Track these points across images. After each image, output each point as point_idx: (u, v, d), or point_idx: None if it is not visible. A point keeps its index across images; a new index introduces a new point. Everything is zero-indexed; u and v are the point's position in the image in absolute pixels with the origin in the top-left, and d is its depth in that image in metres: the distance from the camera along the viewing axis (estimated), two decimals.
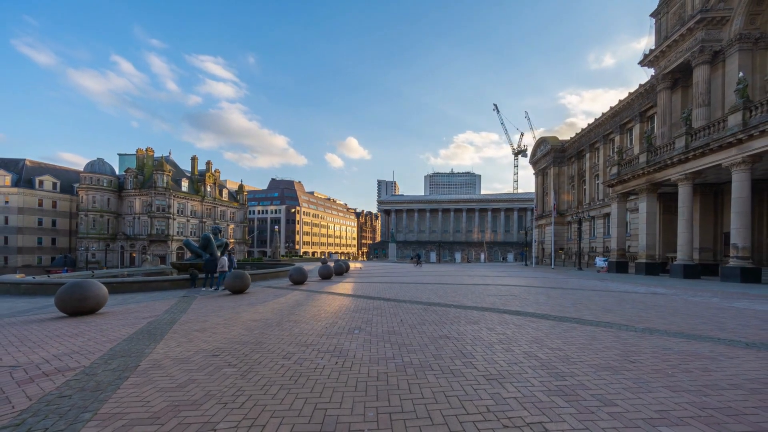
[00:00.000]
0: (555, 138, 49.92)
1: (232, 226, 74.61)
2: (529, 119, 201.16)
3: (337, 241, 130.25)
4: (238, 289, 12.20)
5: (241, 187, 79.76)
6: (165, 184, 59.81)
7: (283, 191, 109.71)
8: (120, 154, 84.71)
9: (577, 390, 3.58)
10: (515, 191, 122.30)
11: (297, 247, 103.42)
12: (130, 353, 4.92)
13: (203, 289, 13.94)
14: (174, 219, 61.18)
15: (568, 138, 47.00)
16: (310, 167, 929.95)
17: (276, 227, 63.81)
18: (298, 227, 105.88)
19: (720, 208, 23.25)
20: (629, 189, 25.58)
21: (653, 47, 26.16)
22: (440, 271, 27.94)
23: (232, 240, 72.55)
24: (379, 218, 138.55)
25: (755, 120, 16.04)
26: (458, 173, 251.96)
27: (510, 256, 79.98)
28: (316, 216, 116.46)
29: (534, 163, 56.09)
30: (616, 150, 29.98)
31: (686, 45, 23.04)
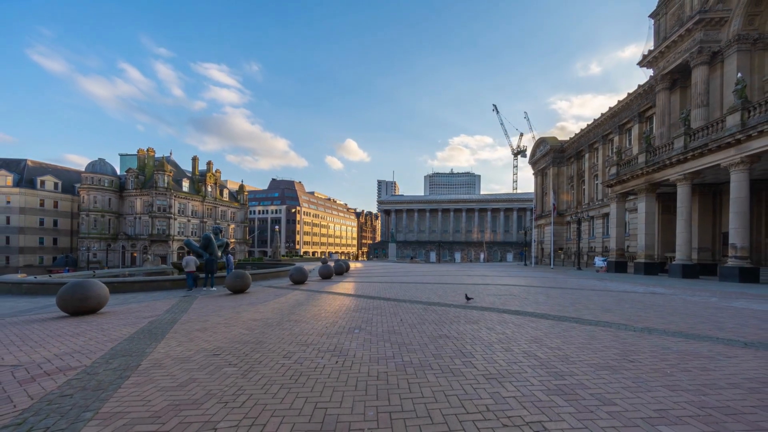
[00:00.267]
0: (554, 138, 49.89)
1: (232, 226, 74.63)
2: (528, 120, 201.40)
3: (338, 240, 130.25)
4: (239, 289, 12.22)
5: (241, 187, 79.75)
6: (166, 184, 59.84)
7: (284, 191, 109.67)
8: (121, 155, 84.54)
9: (577, 389, 3.60)
10: (514, 191, 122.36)
11: (297, 246, 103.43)
12: (131, 353, 4.94)
13: (204, 288, 13.95)
14: (175, 219, 61.20)
15: (567, 139, 47.07)
16: (310, 169, 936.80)
17: (276, 227, 63.91)
18: (298, 227, 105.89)
19: (718, 208, 23.29)
20: (628, 189, 25.60)
21: (652, 48, 26.20)
22: (440, 271, 27.95)
23: (233, 240, 72.59)
24: (379, 218, 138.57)
25: (754, 120, 16.07)
26: (458, 173, 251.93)
27: (509, 256, 80.00)
28: (316, 216, 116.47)
29: (533, 163, 56.09)
30: (615, 150, 29.96)
31: (685, 46, 23.07)
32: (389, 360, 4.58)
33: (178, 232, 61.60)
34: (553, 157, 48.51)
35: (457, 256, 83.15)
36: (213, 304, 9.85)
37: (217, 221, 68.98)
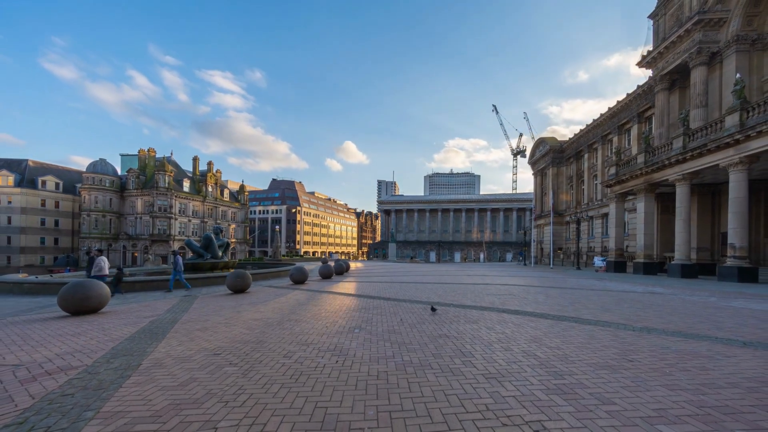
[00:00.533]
0: (554, 139, 49.94)
1: (233, 226, 74.58)
2: (527, 120, 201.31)
3: (338, 240, 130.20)
4: (240, 289, 12.23)
5: (242, 187, 79.66)
6: (167, 185, 59.83)
7: (284, 191, 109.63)
8: (122, 155, 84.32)
9: (576, 388, 3.61)
10: (514, 191, 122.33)
11: (298, 246, 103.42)
12: (132, 352, 4.95)
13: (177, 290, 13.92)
14: (176, 219, 61.20)
15: (567, 139, 47.11)
16: (310, 171, 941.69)
17: (277, 227, 63.98)
18: (298, 227, 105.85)
19: (717, 208, 23.32)
20: (627, 189, 25.63)
21: (651, 48, 26.24)
22: (440, 271, 27.96)
23: (233, 240, 72.56)
24: (379, 218, 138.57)
25: (752, 121, 16.10)
26: (457, 173, 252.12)
27: (509, 256, 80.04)
28: (316, 216, 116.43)
29: (533, 163, 56.12)
30: (614, 150, 30.00)
31: (684, 46, 23.10)
32: (389, 359, 4.60)
33: (179, 232, 61.59)
34: (552, 157, 48.54)
35: (457, 256, 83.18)
36: (213, 303, 9.86)
37: (218, 221, 68.93)
